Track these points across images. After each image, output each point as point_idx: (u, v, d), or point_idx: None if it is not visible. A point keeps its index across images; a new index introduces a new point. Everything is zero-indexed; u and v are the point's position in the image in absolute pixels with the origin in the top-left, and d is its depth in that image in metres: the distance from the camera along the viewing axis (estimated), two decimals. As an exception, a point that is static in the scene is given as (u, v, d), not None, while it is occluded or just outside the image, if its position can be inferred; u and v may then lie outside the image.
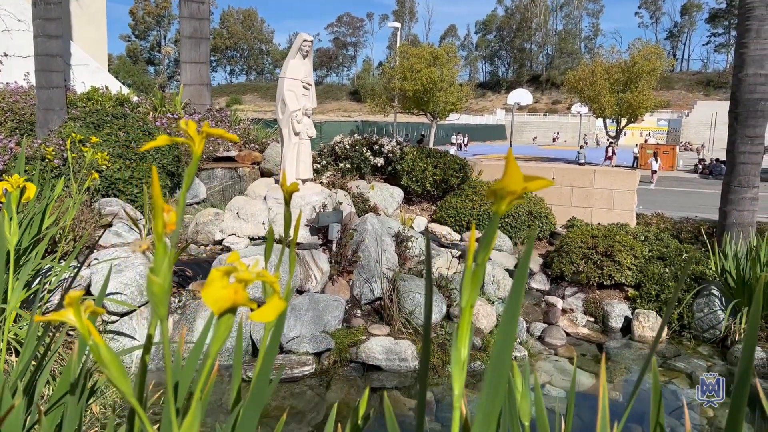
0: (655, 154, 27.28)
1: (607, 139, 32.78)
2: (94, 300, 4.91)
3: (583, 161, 29.11)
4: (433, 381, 5.60)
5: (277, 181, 7.39)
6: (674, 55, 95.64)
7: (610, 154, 29.30)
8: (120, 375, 0.85)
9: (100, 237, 4.73)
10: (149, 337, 1.07)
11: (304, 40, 6.88)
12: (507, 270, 7.45)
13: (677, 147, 34.31)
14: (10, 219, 2.31)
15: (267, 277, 0.84)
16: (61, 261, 4.89)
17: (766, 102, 7.52)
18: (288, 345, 5.63)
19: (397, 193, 9.18)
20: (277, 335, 1.16)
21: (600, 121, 34.48)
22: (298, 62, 6.91)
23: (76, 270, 5.01)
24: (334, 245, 6.49)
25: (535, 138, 62.11)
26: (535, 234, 0.79)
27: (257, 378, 1.08)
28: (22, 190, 2.50)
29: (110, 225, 6.19)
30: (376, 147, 9.75)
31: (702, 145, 41.86)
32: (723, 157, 30.67)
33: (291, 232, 1.10)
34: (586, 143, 39.57)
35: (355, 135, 10.31)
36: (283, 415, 1.67)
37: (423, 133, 40.14)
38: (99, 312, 0.87)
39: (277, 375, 1.38)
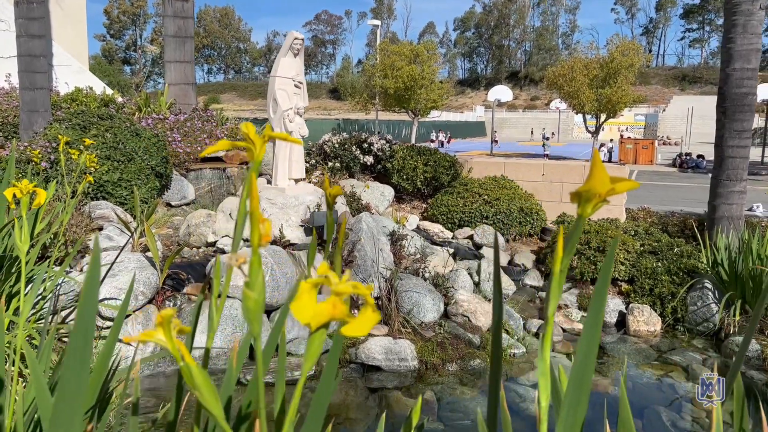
0: (601, 145, 28.06)
1: (611, 139, 33.72)
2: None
3: (548, 152, 31.32)
4: (433, 380, 5.58)
5: (269, 182, 7.31)
6: (650, 51, 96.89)
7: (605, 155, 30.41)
8: (212, 398, 0.80)
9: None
10: (206, 351, 1.02)
11: (295, 38, 6.81)
12: (502, 267, 7.45)
13: (656, 141, 34.68)
14: (21, 226, 2.22)
15: (360, 289, 0.80)
16: (55, 267, 4.77)
17: (753, 96, 7.61)
18: (286, 347, 5.56)
19: (388, 191, 9.14)
20: (339, 343, 1.12)
21: (579, 116, 34.74)
22: (289, 60, 6.84)
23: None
24: (330, 245, 6.42)
25: (533, 132, 61.20)
26: (609, 271, 0.75)
27: (322, 384, 1.04)
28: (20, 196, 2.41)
29: (101, 228, 6.06)
30: (365, 145, 9.70)
31: (675, 141, 42.41)
32: (701, 150, 31.10)
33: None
34: (548, 138, 40.58)
35: (343, 134, 10.24)
36: (329, 426, 1.62)
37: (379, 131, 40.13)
38: (185, 330, 0.82)
39: (337, 380, 1.34)
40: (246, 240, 6.68)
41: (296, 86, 6.91)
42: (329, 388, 1.09)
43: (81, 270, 5.29)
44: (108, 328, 5.22)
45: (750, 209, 11.73)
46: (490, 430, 1.02)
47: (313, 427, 1.01)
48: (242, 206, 0.95)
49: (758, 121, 41.80)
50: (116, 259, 3.62)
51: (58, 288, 4.84)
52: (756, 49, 7.51)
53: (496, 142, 42.97)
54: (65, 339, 5.07)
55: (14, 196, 2.26)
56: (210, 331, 1.00)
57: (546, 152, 31.56)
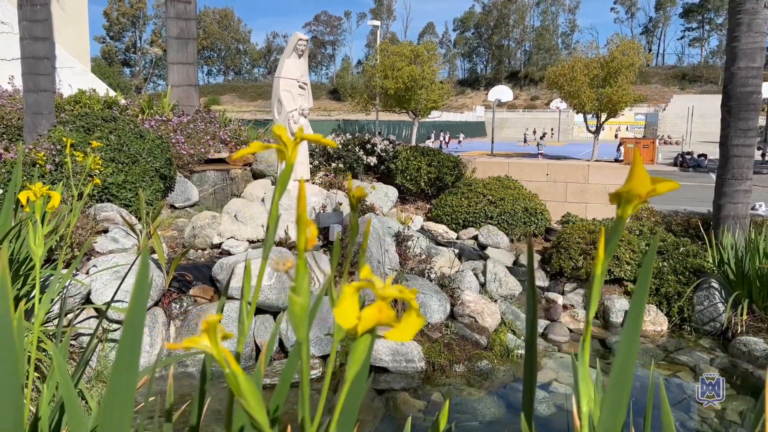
0: (620, 145, 28.37)
1: (617, 137, 34.15)
2: (96, 309, 4.76)
3: (542, 151, 32.51)
4: (440, 381, 5.56)
5: (273, 183, 7.29)
6: (650, 50, 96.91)
7: (621, 155, 30.55)
8: (258, 407, 0.79)
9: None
10: (237, 356, 1.00)
11: (300, 39, 6.79)
12: (507, 267, 7.44)
13: (656, 140, 34.70)
14: (35, 229, 2.21)
15: (405, 293, 0.78)
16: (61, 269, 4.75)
17: (759, 95, 7.59)
18: (293, 349, 5.55)
19: (392, 192, 9.12)
20: (371, 346, 1.10)
21: (579, 116, 34.76)
22: (294, 62, 6.82)
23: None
24: (340, 246, 6.40)
25: (535, 132, 60.85)
26: (647, 284, 0.75)
27: (353, 388, 1.03)
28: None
29: (106, 231, 6.05)
30: (368, 146, 9.68)
31: (677, 141, 42.44)
32: (701, 149, 31.10)
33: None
34: (543, 136, 41.01)
35: (346, 134, 10.23)
36: (354, 429, 1.60)
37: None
38: (228, 336, 0.81)
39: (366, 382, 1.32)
40: (252, 242, 6.68)
41: (301, 87, 6.90)
42: (361, 391, 1.08)
43: (87, 272, 5.27)
44: (114, 330, 5.21)
45: (752, 208, 11.70)
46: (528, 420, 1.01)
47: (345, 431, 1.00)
48: (274, 209, 0.93)
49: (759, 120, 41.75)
50: (132, 265, 3.63)
51: (66, 291, 4.83)
52: (761, 48, 7.50)
53: (460, 142, 42.70)
54: (72, 342, 5.05)
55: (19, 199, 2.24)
56: (240, 336, 0.98)
57: (540, 151, 32.21)
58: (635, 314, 0.88)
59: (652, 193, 0.79)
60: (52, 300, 4.47)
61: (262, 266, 0.96)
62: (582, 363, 0.96)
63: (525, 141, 48.61)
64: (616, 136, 47.50)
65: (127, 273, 3.37)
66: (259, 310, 5.85)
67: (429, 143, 34.95)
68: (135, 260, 5.21)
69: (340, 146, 9.60)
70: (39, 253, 2.26)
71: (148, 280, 0.67)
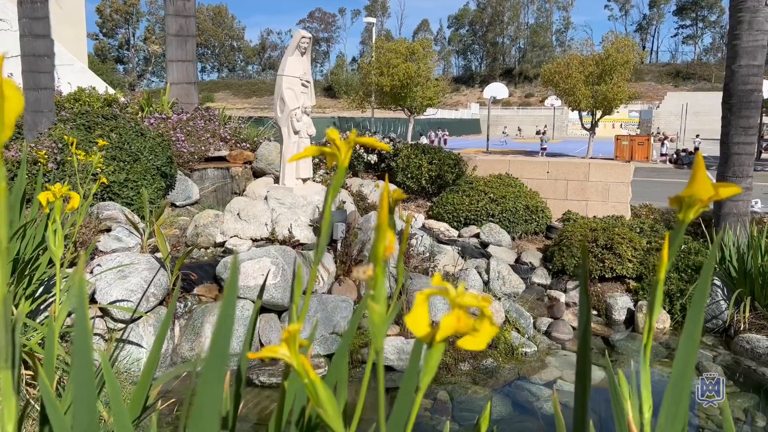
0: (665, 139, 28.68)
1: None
2: (101, 308, 4.72)
3: (545, 146, 32.71)
4: (446, 380, 5.57)
5: (276, 181, 7.26)
6: (643, 47, 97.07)
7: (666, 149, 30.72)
8: (336, 416, 0.78)
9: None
10: (289, 368, 1.00)
11: (303, 37, 6.77)
12: (510, 265, 7.44)
13: (651, 138, 34.77)
14: (54, 231, 2.19)
15: (480, 301, 0.77)
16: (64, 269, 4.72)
17: (759, 93, 7.62)
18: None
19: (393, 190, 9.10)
20: (440, 352, 1.10)
21: (574, 113, 34.85)
22: (297, 59, 6.79)
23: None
24: (339, 245, 6.40)
25: (543, 130, 60.19)
26: (704, 302, 0.75)
27: (402, 393, 1.02)
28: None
29: (109, 230, 6.01)
30: (368, 144, 9.66)
31: (671, 138, 42.54)
32: (694, 147, 31.14)
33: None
34: (544, 133, 40.99)
35: (346, 132, 10.20)
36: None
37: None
38: (303, 344, 0.80)
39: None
40: (255, 240, 6.65)
41: (303, 85, 6.88)
42: (409, 397, 1.08)
43: (91, 272, 5.24)
44: (120, 330, 5.18)
45: (750, 205, 11.74)
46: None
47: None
48: (327, 212, 0.92)
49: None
50: (157, 273, 3.61)
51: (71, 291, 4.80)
52: (762, 46, 7.52)
53: (446, 142, 40.57)
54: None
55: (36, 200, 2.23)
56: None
57: (543, 146, 32.30)
58: (693, 322, 0.88)
59: (715, 197, 0.79)
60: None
61: (314, 269, 0.95)
62: (644, 369, 0.95)
63: (505, 141, 47.64)
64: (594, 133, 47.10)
65: (155, 277, 3.35)
66: (264, 309, 5.83)
67: (424, 139, 34.87)
68: (160, 268, 5.20)
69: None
70: (59, 255, 2.24)
71: (234, 296, 0.66)
